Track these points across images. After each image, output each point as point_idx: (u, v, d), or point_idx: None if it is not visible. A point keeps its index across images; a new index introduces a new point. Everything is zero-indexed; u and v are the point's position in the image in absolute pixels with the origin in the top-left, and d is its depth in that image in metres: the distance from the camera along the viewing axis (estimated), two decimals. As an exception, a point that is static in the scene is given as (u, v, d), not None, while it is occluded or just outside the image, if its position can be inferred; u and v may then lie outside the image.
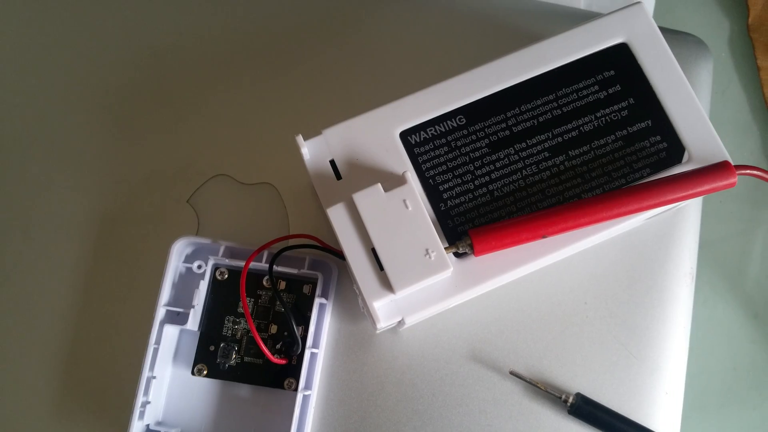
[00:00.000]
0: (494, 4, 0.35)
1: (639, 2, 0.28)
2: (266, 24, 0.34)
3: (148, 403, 0.27)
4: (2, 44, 0.34)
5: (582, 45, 0.27)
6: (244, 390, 0.29)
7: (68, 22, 0.34)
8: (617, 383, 0.30)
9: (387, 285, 0.24)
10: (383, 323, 0.24)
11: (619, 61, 0.27)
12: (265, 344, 0.28)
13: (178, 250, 0.29)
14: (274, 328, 0.29)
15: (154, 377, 0.27)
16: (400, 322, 0.25)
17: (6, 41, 0.34)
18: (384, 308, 0.25)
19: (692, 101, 0.27)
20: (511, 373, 0.29)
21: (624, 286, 0.31)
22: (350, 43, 0.33)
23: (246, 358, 0.29)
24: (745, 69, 0.39)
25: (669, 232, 0.32)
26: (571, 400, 0.29)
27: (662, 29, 0.28)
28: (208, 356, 0.29)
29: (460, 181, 0.26)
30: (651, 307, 0.31)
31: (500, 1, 0.35)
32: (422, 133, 0.26)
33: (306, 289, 0.29)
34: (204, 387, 0.29)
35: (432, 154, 0.26)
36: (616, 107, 0.27)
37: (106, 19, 0.34)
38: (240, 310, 0.29)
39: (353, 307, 0.30)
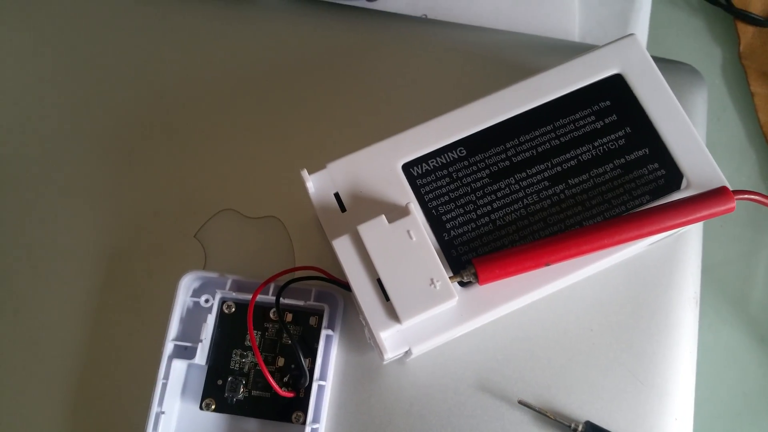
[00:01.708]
0: (490, 39, 0.36)
1: (632, 34, 0.29)
2: (271, 62, 0.35)
3: (157, 439, 0.27)
4: (13, 82, 0.34)
5: (578, 77, 0.28)
6: (252, 424, 0.29)
7: (77, 60, 0.35)
8: (626, 410, 0.30)
9: (393, 315, 0.24)
10: (390, 354, 0.25)
11: (614, 92, 0.28)
12: (273, 377, 0.28)
13: (186, 285, 0.29)
14: (281, 361, 0.29)
15: (163, 412, 0.27)
16: (407, 353, 0.25)
17: (16, 79, 0.35)
18: (391, 339, 0.25)
19: (688, 128, 0.27)
20: (520, 402, 0.29)
21: (629, 312, 0.31)
22: (352, 80, 0.34)
23: (254, 392, 0.29)
24: (739, 95, 0.40)
25: (671, 257, 0.32)
26: (580, 428, 0.29)
27: (656, 59, 0.29)
28: (216, 390, 0.29)
29: (462, 211, 0.26)
30: (657, 333, 0.31)
31: (496, 36, 0.36)
32: (424, 164, 0.27)
33: (312, 320, 0.30)
34: (212, 422, 0.29)
35: (434, 185, 0.27)
36: (613, 136, 0.27)
37: (115, 57, 0.35)
38: (247, 343, 0.29)
39: (360, 338, 0.30)
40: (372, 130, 0.28)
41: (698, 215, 0.25)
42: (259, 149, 0.33)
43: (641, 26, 0.40)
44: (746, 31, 0.40)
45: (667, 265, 0.32)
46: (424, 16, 0.38)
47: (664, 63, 0.31)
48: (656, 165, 0.27)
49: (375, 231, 0.25)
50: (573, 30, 0.40)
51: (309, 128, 0.33)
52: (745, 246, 0.37)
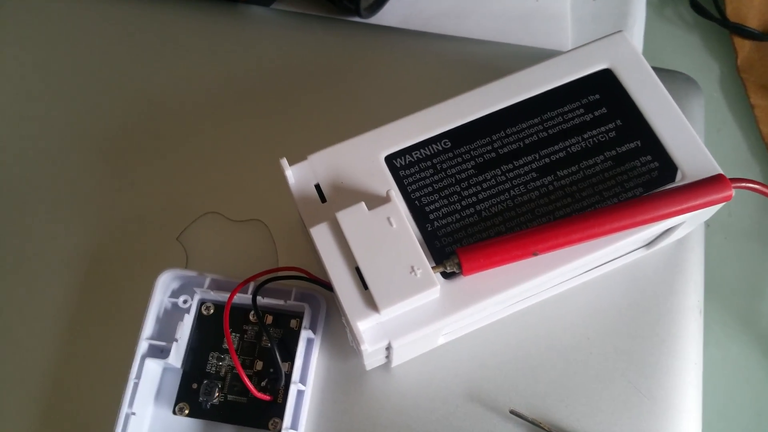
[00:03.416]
0: (483, 50, 0.36)
1: (620, 31, 0.28)
2: (258, 69, 0.35)
3: (125, 442, 0.26)
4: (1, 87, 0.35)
5: (565, 72, 0.28)
6: (227, 431, 0.27)
7: (64, 64, 0.35)
8: (626, 424, 0.28)
9: (372, 304, 0.23)
10: (369, 346, 0.23)
11: (603, 86, 0.27)
12: (250, 381, 0.26)
13: (164, 283, 0.28)
14: (259, 365, 0.28)
15: (134, 413, 0.26)
16: (388, 348, 0.24)
17: (4, 85, 0.35)
18: (370, 331, 0.23)
19: (680, 121, 0.26)
20: (512, 412, 0.28)
21: (628, 320, 0.30)
22: (341, 87, 0.34)
23: (229, 396, 0.27)
24: (738, 107, 0.39)
25: (673, 264, 0.30)
26: (577, 441, 0.27)
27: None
28: (191, 394, 0.27)
29: (446, 202, 0.26)
30: (659, 342, 0.29)
31: (490, 47, 0.36)
32: (407, 156, 0.26)
33: (293, 323, 0.28)
34: (186, 427, 0.27)
35: (417, 176, 0.26)
36: (603, 129, 0.27)
37: (101, 62, 0.35)
38: (225, 346, 0.28)
39: (343, 344, 0.29)
40: (356, 132, 0.28)
41: (694, 203, 0.24)
42: (245, 153, 0.33)
43: (636, 41, 0.40)
44: (743, 45, 0.40)
45: (668, 272, 0.30)
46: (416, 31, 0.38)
47: (658, 72, 0.31)
48: (649, 157, 0.26)
49: (354, 218, 0.24)
50: (566, 45, 0.40)
51: (296, 133, 0.33)
52: (750, 260, 0.36)
